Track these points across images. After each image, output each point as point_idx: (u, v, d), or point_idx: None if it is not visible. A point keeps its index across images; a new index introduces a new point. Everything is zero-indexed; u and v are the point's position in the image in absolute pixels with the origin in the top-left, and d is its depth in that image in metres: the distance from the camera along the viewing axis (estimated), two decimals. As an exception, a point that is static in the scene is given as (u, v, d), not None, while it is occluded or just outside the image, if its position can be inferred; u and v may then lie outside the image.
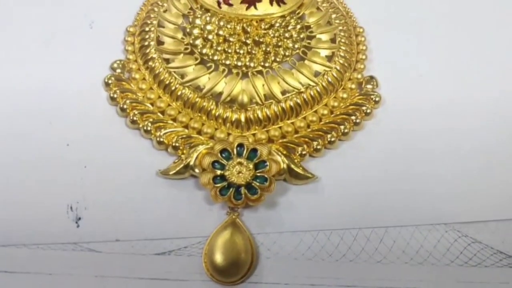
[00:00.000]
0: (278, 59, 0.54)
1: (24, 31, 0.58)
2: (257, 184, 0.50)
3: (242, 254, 0.49)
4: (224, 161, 0.50)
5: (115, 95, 0.54)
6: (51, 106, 0.55)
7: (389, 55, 0.58)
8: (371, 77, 0.57)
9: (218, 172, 0.50)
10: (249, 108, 0.53)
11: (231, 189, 0.50)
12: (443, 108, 0.56)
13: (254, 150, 0.51)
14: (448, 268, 0.51)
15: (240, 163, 0.50)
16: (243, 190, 0.50)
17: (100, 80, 0.56)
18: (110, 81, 0.55)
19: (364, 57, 0.58)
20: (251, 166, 0.50)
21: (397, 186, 0.52)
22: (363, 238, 0.51)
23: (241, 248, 0.50)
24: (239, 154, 0.51)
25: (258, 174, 0.50)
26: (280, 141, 0.54)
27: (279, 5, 0.56)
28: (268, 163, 0.50)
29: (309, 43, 0.56)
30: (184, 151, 0.52)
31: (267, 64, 0.54)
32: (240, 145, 0.51)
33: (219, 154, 0.51)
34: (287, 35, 0.55)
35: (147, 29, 0.57)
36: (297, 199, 0.52)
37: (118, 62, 0.56)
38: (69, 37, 0.58)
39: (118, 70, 0.56)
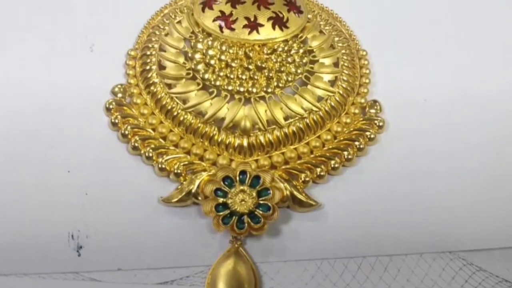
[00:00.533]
0: (280, 85, 0.54)
1: (24, 53, 0.57)
2: (260, 212, 0.49)
3: (245, 284, 0.49)
4: (226, 189, 0.50)
5: (117, 121, 0.54)
6: (51, 131, 0.54)
7: (393, 79, 0.58)
8: (375, 102, 0.56)
9: (221, 200, 0.50)
10: (251, 134, 0.53)
11: (233, 218, 0.49)
12: (448, 133, 0.55)
13: (257, 177, 0.50)
14: (453, 297, 0.50)
15: (242, 191, 0.50)
16: (246, 218, 0.49)
17: (101, 104, 0.55)
18: (111, 106, 0.54)
19: (367, 81, 0.57)
20: (254, 193, 0.50)
21: (401, 213, 0.52)
22: (367, 266, 0.51)
23: (244, 278, 0.49)
24: (242, 182, 0.50)
25: (261, 202, 0.50)
26: (283, 167, 0.53)
27: (281, 30, 0.55)
28: (271, 191, 0.50)
29: (312, 67, 0.55)
30: (186, 178, 0.52)
31: (269, 90, 0.54)
32: (243, 172, 0.51)
33: (221, 182, 0.50)
34: (289, 59, 0.55)
35: (148, 53, 0.56)
36: (300, 227, 0.52)
37: (119, 86, 0.56)
38: (69, 59, 0.57)
39: (119, 95, 0.55)
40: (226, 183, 0.50)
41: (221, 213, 0.49)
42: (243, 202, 0.49)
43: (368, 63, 0.58)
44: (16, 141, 0.53)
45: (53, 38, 0.58)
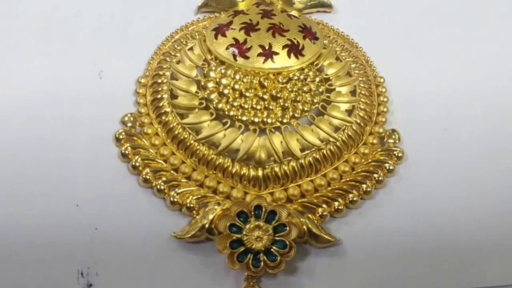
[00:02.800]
0: (296, 115, 0.52)
1: (31, 81, 0.55)
2: (277, 249, 0.47)
3: (262, 325, 0.47)
4: (241, 224, 0.48)
5: (127, 152, 0.52)
6: (58, 162, 0.52)
7: (412, 107, 0.56)
8: (393, 131, 0.54)
9: (235, 236, 0.48)
10: (266, 166, 0.51)
11: (249, 255, 0.48)
12: (469, 164, 0.54)
13: (273, 212, 0.49)
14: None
15: (258, 227, 0.48)
16: (261, 256, 0.47)
17: (111, 134, 0.53)
18: (121, 137, 0.53)
19: (385, 109, 0.55)
20: (270, 230, 0.48)
21: (423, 250, 0.50)
22: (388, 305, 0.49)
23: (260, 317, 0.47)
24: (257, 217, 0.49)
25: (277, 239, 0.48)
26: (300, 200, 0.51)
27: (297, 58, 0.54)
28: (287, 227, 0.48)
29: (328, 96, 0.54)
30: (199, 212, 0.50)
31: (285, 120, 0.52)
32: (258, 207, 0.49)
33: (236, 217, 0.48)
34: (305, 88, 0.53)
35: (159, 81, 0.55)
36: (318, 264, 0.50)
37: (129, 115, 0.54)
38: (77, 87, 0.56)
39: (129, 124, 0.54)
40: (241, 218, 0.48)
41: (236, 250, 0.47)
42: (258, 239, 0.47)
43: (385, 90, 0.57)
44: (23, 174, 0.51)
45: (61, 65, 0.57)
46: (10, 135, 0.53)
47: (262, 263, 0.47)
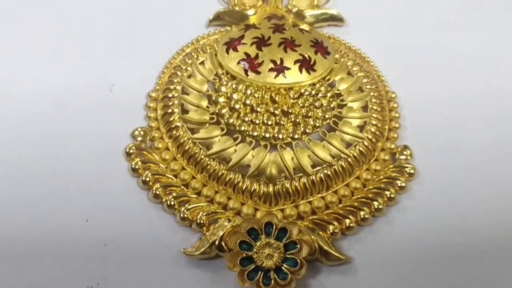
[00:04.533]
0: (308, 130, 0.52)
1: (41, 93, 0.55)
2: (287, 267, 0.47)
3: None
4: (251, 242, 0.48)
5: (137, 166, 0.52)
6: (68, 177, 0.52)
7: (424, 123, 0.56)
8: (405, 147, 0.54)
9: (245, 253, 0.47)
10: (277, 182, 0.51)
11: (259, 273, 0.47)
12: (483, 181, 0.53)
13: (284, 230, 0.48)
14: None
15: (268, 244, 0.48)
16: (272, 274, 0.47)
17: (121, 148, 0.53)
18: (131, 151, 0.53)
19: (397, 125, 0.55)
20: (280, 247, 0.47)
21: (436, 268, 0.49)
22: (401, 325, 0.48)
23: (270, 336, 0.47)
24: (268, 234, 0.48)
25: (288, 256, 0.47)
26: (311, 217, 0.51)
27: (308, 73, 0.53)
28: (298, 244, 0.48)
29: (340, 112, 0.53)
30: (210, 228, 0.49)
31: (296, 136, 0.52)
32: (269, 224, 0.48)
33: (246, 234, 0.48)
34: (317, 104, 0.53)
35: (170, 95, 0.54)
36: (329, 282, 0.50)
37: (139, 129, 0.54)
38: (87, 101, 0.56)
39: (139, 138, 0.53)
40: (252, 235, 0.48)
41: (246, 268, 0.47)
42: (269, 257, 0.47)
43: (397, 106, 0.56)
44: (32, 189, 0.51)
45: (72, 78, 0.56)
46: (20, 148, 0.53)
47: (272, 281, 0.47)
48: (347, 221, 0.51)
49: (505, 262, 0.50)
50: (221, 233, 0.49)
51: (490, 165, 0.54)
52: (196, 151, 0.52)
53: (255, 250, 0.48)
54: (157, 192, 0.51)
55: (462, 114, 0.56)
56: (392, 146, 0.54)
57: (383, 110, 0.55)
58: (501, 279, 0.50)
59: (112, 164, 0.53)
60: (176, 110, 0.54)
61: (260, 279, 0.47)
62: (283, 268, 0.47)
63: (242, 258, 0.48)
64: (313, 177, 0.51)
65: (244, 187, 0.51)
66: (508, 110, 0.57)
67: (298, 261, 0.47)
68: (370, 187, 0.52)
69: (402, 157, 0.54)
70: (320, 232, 0.50)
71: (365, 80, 0.56)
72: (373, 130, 0.54)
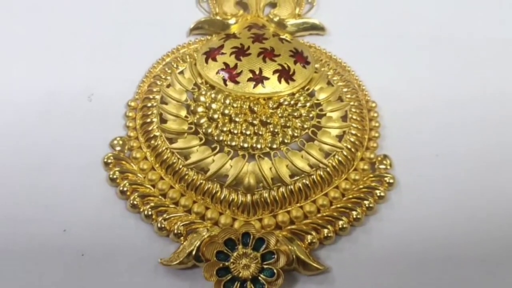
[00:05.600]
0: (286, 140, 0.52)
1: (19, 103, 0.55)
2: (264, 277, 0.47)
3: None
4: (228, 252, 0.48)
5: (115, 176, 0.52)
6: (45, 187, 0.52)
7: (404, 133, 0.56)
8: (385, 156, 0.54)
9: (222, 264, 0.47)
10: (255, 192, 0.51)
11: (236, 283, 0.47)
12: (462, 190, 0.53)
13: (261, 240, 0.48)
14: None
15: (245, 254, 0.47)
16: (248, 284, 0.47)
17: (99, 158, 0.53)
18: (109, 161, 0.52)
19: (377, 134, 0.55)
20: (257, 257, 0.47)
21: (415, 278, 0.49)
22: (377, 335, 0.48)
23: None
24: (245, 244, 0.48)
25: (265, 267, 0.47)
26: (289, 227, 0.51)
27: (287, 83, 0.53)
28: (275, 255, 0.47)
29: (319, 121, 0.53)
30: (187, 238, 0.49)
31: (274, 146, 0.52)
32: (246, 234, 0.48)
33: (223, 244, 0.48)
34: (296, 114, 0.53)
35: (149, 104, 0.54)
36: (306, 292, 0.49)
37: (118, 139, 0.54)
38: (66, 110, 0.55)
39: (118, 148, 0.53)
40: (228, 245, 0.48)
41: (222, 278, 0.47)
42: (246, 267, 0.47)
43: (377, 115, 0.56)
44: (9, 199, 0.51)
45: (50, 88, 0.56)
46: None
47: (249, 292, 0.47)
48: (325, 231, 0.50)
49: (483, 272, 0.50)
50: (198, 243, 0.49)
51: (470, 175, 0.54)
52: (174, 160, 0.52)
53: (232, 260, 0.48)
54: (135, 202, 0.51)
55: (442, 124, 0.56)
56: (372, 155, 0.54)
57: (363, 119, 0.55)
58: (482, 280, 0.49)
59: (90, 173, 0.53)
60: (154, 120, 0.53)
61: (237, 290, 0.47)
62: (260, 278, 0.47)
63: (219, 268, 0.47)
64: (291, 187, 0.51)
65: (222, 197, 0.51)
66: (488, 120, 0.56)
67: (275, 271, 0.47)
68: (349, 196, 0.52)
69: (382, 166, 0.54)
70: (298, 242, 0.50)
71: (345, 90, 0.56)
72: (352, 139, 0.53)
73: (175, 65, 0.56)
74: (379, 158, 0.54)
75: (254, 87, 0.53)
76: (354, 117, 0.54)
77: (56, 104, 0.56)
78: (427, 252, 0.51)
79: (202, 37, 0.60)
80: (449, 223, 0.52)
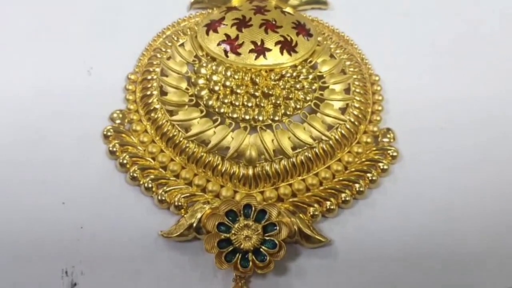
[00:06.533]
0: (288, 112, 0.51)
1: (18, 77, 0.54)
2: (266, 249, 0.46)
3: (249, 326, 0.46)
4: (230, 224, 0.47)
5: (115, 149, 0.51)
6: (45, 159, 0.51)
7: (407, 106, 0.55)
8: (388, 130, 0.53)
9: (224, 235, 0.46)
10: (257, 164, 0.50)
11: (237, 255, 0.46)
12: (466, 164, 0.52)
13: (263, 211, 0.47)
14: None
15: (247, 226, 0.47)
16: (250, 256, 0.46)
17: (99, 131, 0.52)
18: (109, 134, 0.52)
19: (380, 108, 0.54)
20: (259, 229, 0.46)
21: (417, 251, 0.49)
22: (381, 308, 0.47)
23: (248, 319, 0.46)
24: (246, 216, 0.47)
25: (267, 238, 0.46)
26: (291, 200, 0.50)
27: (290, 54, 0.52)
28: (277, 226, 0.47)
29: (321, 94, 0.52)
30: (188, 211, 0.48)
31: (276, 118, 0.51)
32: (248, 206, 0.47)
33: (224, 216, 0.47)
34: (298, 86, 0.52)
35: (149, 77, 0.53)
36: (309, 264, 0.48)
37: (118, 112, 0.53)
38: (66, 84, 0.55)
39: (118, 121, 0.52)
40: (230, 217, 0.47)
41: (223, 250, 0.46)
42: (247, 238, 0.46)
43: (381, 89, 0.55)
44: (8, 171, 0.50)
45: (50, 62, 0.55)
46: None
47: (250, 263, 0.46)
48: (328, 203, 0.50)
49: (485, 243, 0.49)
50: (199, 216, 0.48)
51: (474, 149, 0.53)
52: (175, 133, 0.51)
53: (233, 232, 0.47)
54: (135, 175, 0.50)
55: (446, 98, 0.56)
56: (375, 129, 0.53)
57: (366, 93, 0.54)
58: (485, 260, 0.49)
59: (90, 146, 0.52)
60: (154, 92, 0.53)
61: (238, 261, 0.46)
62: (261, 250, 0.46)
63: (220, 240, 0.47)
64: (294, 160, 0.50)
65: (223, 170, 0.50)
66: (492, 92, 0.56)
67: (277, 243, 0.46)
68: (352, 169, 0.52)
69: (385, 139, 0.53)
70: (300, 215, 0.49)
71: (348, 63, 0.55)
72: (355, 112, 0.53)
73: (175, 38, 0.56)
74: (383, 132, 0.53)
75: (255, 59, 0.52)
76: (357, 90, 0.54)
77: (56, 79, 0.55)
78: (430, 225, 0.50)
79: (203, 10, 0.59)
80: (452, 197, 0.51)
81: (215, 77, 0.52)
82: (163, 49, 0.55)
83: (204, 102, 0.51)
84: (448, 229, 0.50)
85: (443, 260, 0.49)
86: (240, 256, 0.46)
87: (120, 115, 0.53)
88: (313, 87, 0.52)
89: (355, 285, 0.48)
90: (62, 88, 0.55)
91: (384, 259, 0.49)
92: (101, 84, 0.55)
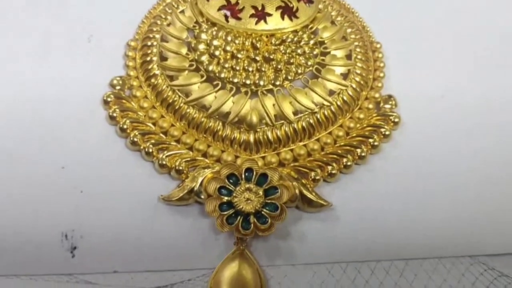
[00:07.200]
0: (289, 77, 0.50)
1: (18, 45, 0.54)
2: (267, 212, 0.46)
3: (250, 289, 0.45)
4: (231, 187, 0.47)
5: (115, 114, 0.51)
6: (45, 125, 0.51)
7: (409, 73, 0.54)
8: (390, 96, 0.53)
9: (225, 198, 0.46)
10: (258, 129, 0.50)
11: (238, 218, 0.46)
12: (466, 131, 0.52)
13: (264, 175, 0.47)
14: (474, 305, 0.46)
15: (248, 189, 0.46)
16: (252, 218, 0.46)
17: (99, 97, 0.52)
18: (109, 99, 0.51)
19: (381, 74, 0.54)
20: (260, 192, 0.46)
21: (418, 215, 0.49)
22: (381, 271, 0.47)
23: (249, 282, 0.46)
24: (248, 180, 0.47)
25: (268, 201, 0.46)
26: (292, 165, 0.50)
27: (291, 20, 0.52)
28: (279, 189, 0.46)
29: (323, 59, 0.52)
30: (189, 175, 0.48)
31: (278, 83, 0.50)
32: (249, 170, 0.47)
33: (226, 179, 0.47)
34: (299, 51, 0.51)
35: (149, 43, 0.53)
36: (310, 228, 0.48)
37: (118, 78, 0.52)
38: (66, 51, 0.54)
39: (118, 87, 0.52)
40: (231, 181, 0.47)
41: (225, 213, 0.46)
42: (249, 201, 0.46)
43: (382, 56, 0.55)
44: (7, 136, 0.50)
45: (49, 30, 0.55)
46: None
47: (252, 225, 0.46)
48: (329, 167, 0.50)
49: (485, 207, 0.50)
50: (200, 180, 0.48)
51: (474, 116, 0.53)
52: (175, 98, 0.51)
53: (234, 195, 0.46)
54: (135, 139, 0.50)
55: (448, 65, 0.55)
56: (377, 95, 0.53)
57: (367, 59, 0.54)
58: (485, 226, 0.49)
59: (89, 112, 0.52)
60: (154, 58, 0.52)
61: (240, 224, 0.46)
62: (263, 212, 0.46)
63: (221, 203, 0.46)
64: (295, 125, 0.50)
65: (224, 135, 0.50)
66: (496, 60, 0.56)
67: (279, 205, 0.46)
68: (354, 134, 0.51)
69: (387, 106, 0.53)
70: (303, 180, 0.49)
71: (349, 30, 0.55)
72: (357, 79, 0.53)
73: (175, 5, 0.55)
74: (384, 98, 0.53)
75: (256, 24, 0.52)
76: (359, 56, 0.53)
77: (54, 46, 0.54)
78: (430, 191, 0.50)
79: (204, -22, 0.58)
80: (452, 163, 0.51)
81: (215, 42, 0.51)
82: (163, 16, 0.55)
83: (205, 67, 0.51)
84: (447, 195, 0.50)
85: (443, 223, 0.49)
86: (241, 219, 0.46)
87: (120, 81, 0.52)
88: (315, 52, 0.52)
89: (355, 249, 0.48)
90: (62, 55, 0.54)
91: (385, 222, 0.48)
92: (101, 51, 0.54)
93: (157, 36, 0.53)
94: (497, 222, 0.49)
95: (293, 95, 0.50)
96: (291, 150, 0.50)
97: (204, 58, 0.51)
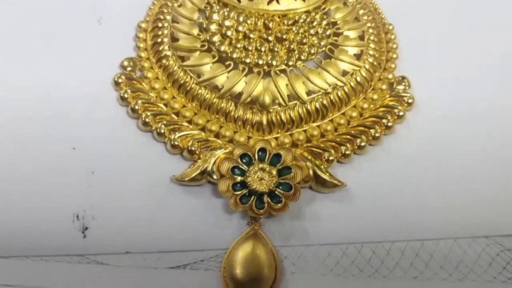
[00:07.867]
0: (302, 57, 0.50)
1: (28, 27, 0.54)
2: (281, 191, 0.45)
3: (264, 269, 0.45)
4: (244, 167, 0.46)
5: (126, 95, 0.50)
6: (56, 106, 0.50)
7: (422, 54, 0.54)
8: (403, 78, 0.52)
9: (238, 178, 0.46)
10: (271, 110, 0.49)
11: (252, 197, 0.45)
12: (480, 112, 0.52)
13: (277, 155, 0.47)
14: (490, 285, 0.46)
15: (262, 169, 0.46)
16: (265, 198, 0.45)
17: (110, 79, 0.52)
18: (120, 80, 0.51)
19: (395, 56, 0.53)
20: (274, 172, 0.46)
21: (433, 195, 0.48)
22: (397, 252, 0.47)
23: (263, 262, 0.45)
24: (261, 160, 0.46)
25: (282, 181, 0.45)
26: (305, 145, 0.49)
27: (303, 0, 0.51)
28: (293, 169, 0.46)
29: (336, 40, 0.52)
30: (201, 156, 0.48)
31: (290, 63, 0.50)
32: (262, 150, 0.47)
33: (239, 159, 0.46)
34: (312, 31, 0.51)
35: (160, 25, 0.53)
36: (324, 209, 0.48)
37: (128, 60, 0.52)
38: (76, 33, 0.54)
39: (129, 69, 0.52)
40: (244, 161, 0.47)
41: (238, 192, 0.45)
42: (262, 181, 0.45)
43: (395, 37, 0.55)
44: (20, 116, 0.50)
45: (59, 12, 0.55)
46: (7, 78, 0.51)
47: (266, 205, 0.45)
48: (343, 148, 0.49)
49: (498, 186, 0.49)
50: (213, 160, 0.47)
51: (490, 97, 0.52)
52: (187, 79, 0.50)
53: (247, 174, 0.46)
54: (147, 120, 0.49)
55: (460, 46, 0.55)
56: (390, 76, 0.53)
57: (380, 41, 0.54)
58: (498, 207, 0.48)
59: (101, 94, 0.52)
60: (165, 40, 0.52)
61: (253, 203, 0.45)
62: (276, 192, 0.46)
63: (235, 183, 0.46)
64: (308, 106, 0.49)
65: (236, 116, 0.50)
66: (508, 42, 0.55)
67: (292, 185, 0.45)
68: (367, 115, 0.51)
69: (400, 87, 0.52)
70: (316, 161, 0.48)
71: (361, 11, 0.55)
72: (370, 60, 0.52)
73: (186, -14, 0.55)
74: (398, 79, 0.52)
75: (268, 4, 0.52)
76: (372, 37, 0.53)
77: (65, 27, 0.54)
78: (444, 171, 0.50)
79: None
80: (467, 143, 0.51)
81: (227, 22, 0.51)
82: (174, -2, 0.54)
83: (216, 47, 0.50)
84: (461, 175, 0.49)
85: (459, 202, 0.48)
86: (255, 199, 0.45)
87: (131, 63, 0.52)
88: (327, 33, 0.51)
89: (370, 230, 0.47)
90: (73, 37, 0.54)
91: (399, 203, 0.48)
92: (112, 33, 0.54)
93: (168, 17, 0.53)
94: (508, 201, 0.48)
95: (306, 75, 0.50)
96: (304, 131, 0.50)
97: (216, 38, 0.51)
